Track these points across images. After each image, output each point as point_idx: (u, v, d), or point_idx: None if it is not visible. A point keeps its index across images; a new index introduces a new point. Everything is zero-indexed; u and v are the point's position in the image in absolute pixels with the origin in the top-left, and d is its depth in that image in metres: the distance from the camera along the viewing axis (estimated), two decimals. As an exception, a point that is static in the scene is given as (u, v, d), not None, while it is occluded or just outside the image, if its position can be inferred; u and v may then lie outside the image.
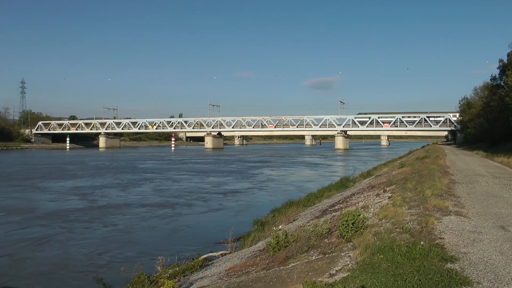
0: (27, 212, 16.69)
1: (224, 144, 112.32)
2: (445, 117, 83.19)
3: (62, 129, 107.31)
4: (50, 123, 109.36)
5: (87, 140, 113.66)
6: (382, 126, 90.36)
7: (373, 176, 21.74)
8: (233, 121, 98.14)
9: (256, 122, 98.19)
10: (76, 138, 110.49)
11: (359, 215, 6.33)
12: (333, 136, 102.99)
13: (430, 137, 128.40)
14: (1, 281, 8.59)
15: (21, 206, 18.15)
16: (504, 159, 23.71)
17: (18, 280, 8.82)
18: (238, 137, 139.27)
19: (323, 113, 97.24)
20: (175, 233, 13.17)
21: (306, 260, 5.76)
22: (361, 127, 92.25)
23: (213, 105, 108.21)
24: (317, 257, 5.79)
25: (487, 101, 50.91)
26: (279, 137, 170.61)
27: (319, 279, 4.60)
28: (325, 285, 4.20)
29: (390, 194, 10.41)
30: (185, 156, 67.02)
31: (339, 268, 5.04)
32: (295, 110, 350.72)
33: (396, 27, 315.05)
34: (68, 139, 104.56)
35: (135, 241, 12.13)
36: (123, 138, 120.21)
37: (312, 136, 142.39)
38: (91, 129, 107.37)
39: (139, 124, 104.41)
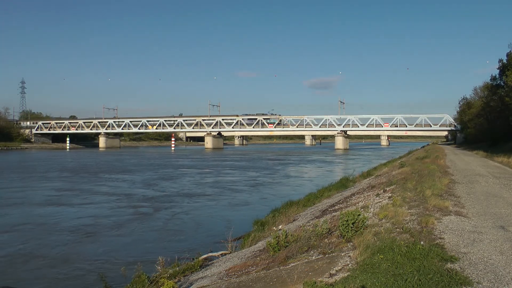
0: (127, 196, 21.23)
1: (224, 144, 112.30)
2: (445, 117, 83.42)
3: (62, 129, 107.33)
4: (50, 123, 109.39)
5: (87, 140, 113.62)
6: (382, 126, 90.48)
7: (373, 176, 21.74)
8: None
9: (256, 122, 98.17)
10: (76, 138, 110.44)
11: (359, 215, 6.32)
12: (333, 136, 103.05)
13: (430, 137, 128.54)
14: None
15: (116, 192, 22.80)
16: (504, 159, 23.72)
17: (18, 276, 8.84)
18: (238, 137, 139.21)
19: (323, 113, 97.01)
20: (175, 232, 13.17)
21: (306, 260, 5.77)
22: (361, 127, 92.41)
23: (213, 105, 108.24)
24: (317, 257, 5.79)
25: (487, 101, 50.98)
26: (279, 137, 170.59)
27: (319, 279, 4.60)
28: (325, 285, 4.20)
29: (390, 194, 10.41)
30: (205, 155, 68.05)
31: (339, 268, 5.04)
32: (295, 110, 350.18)
33: (396, 27, 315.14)
34: (68, 139, 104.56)
35: (135, 240, 12.13)
36: (123, 138, 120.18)
37: (312, 136, 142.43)
38: (91, 129, 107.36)
39: (139, 124, 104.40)
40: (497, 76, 45.79)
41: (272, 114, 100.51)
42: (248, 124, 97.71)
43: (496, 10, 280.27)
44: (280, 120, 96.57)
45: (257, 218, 12.92)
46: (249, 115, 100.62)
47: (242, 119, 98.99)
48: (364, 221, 6.35)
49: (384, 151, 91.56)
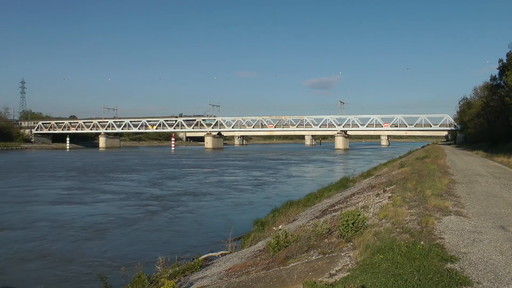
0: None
1: (224, 144, 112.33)
2: (445, 117, 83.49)
3: (62, 129, 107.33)
4: (50, 123, 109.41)
5: (87, 140, 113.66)
6: (382, 126, 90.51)
7: (373, 176, 21.74)
8: (233, 121, 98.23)
9: (256, 122, 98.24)
10: (76, 138, 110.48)
11: (359, 215, 6.32)
12: (333, 136, 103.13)
13: (430, 137, 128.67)
14: None
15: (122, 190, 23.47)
16: (504, 159, 23.72)
17: (18, 275, 8.85)
18: (238, 137, 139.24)
19: (323, 113, 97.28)
20: (176, 232, 13.17)
21: (306, 260, 5.77)
22: (361, 127, 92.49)
23: (213, 105, 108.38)
24: (317, 257, 5.79)
25: (487, 101, 50.95)
26: (279, 137, 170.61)
27: (319, 279, 4.60)
28: (325, 285, 4.20)
29: (390, 194, 10.41)
30: (206, 155, 68.36)
31: (339, 268, 5.04)
32: (295, 110, 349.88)
33: (396, 26, 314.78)
34: (68, 139, 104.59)
35: (136, 239, 12.14)
36: (123, 138, 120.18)
37: (312, 136, 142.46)
38: (91, 129, 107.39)
39: (139, 124, 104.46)
40: (497, 76, 45.84)
41: (209, 116, 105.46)
42: (188, 125, 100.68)
43: (496, 10, 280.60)
44: (217, 122, 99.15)
45: (257, 218, 12.93)
46: (188, 116, 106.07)
47: (182, 120, 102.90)
48: (364, 221, 6.35)
49: (384, 151, 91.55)
